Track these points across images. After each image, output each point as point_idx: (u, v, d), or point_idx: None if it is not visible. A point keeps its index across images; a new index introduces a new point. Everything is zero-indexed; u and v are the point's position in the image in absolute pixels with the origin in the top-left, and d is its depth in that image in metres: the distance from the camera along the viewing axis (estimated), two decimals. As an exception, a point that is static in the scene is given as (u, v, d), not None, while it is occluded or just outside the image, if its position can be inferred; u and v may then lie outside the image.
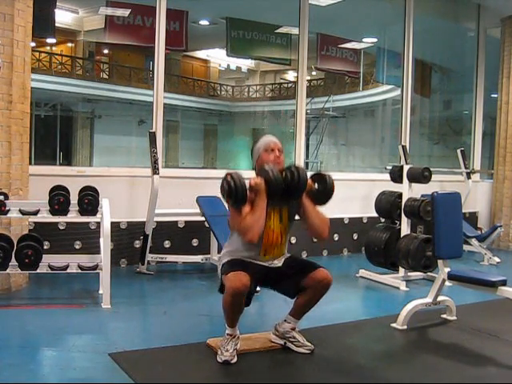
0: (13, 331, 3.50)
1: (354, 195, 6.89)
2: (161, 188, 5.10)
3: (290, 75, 20.71)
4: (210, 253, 5.51)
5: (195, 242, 5.88)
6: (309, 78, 16.42)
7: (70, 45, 18.74)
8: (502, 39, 7.83)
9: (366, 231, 5.80)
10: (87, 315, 3.86)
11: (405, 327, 3.74)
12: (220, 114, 22.40)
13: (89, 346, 3.21)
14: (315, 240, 5.77)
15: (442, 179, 7.27)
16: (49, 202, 4.08)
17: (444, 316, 4.04)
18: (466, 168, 7.47)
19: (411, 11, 7.53)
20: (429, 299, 3.84)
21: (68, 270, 4.13)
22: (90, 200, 4.14)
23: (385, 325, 3.82)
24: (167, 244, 5.75)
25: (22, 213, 4.07)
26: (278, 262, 3.20)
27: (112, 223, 4.19)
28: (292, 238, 6.17)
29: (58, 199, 4.07)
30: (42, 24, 5.44)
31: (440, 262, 3.74)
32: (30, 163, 4.69)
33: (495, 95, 8.07)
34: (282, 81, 21.91)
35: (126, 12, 6.58)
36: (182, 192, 5.74)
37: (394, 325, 3.78)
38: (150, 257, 5.30)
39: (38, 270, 4.03)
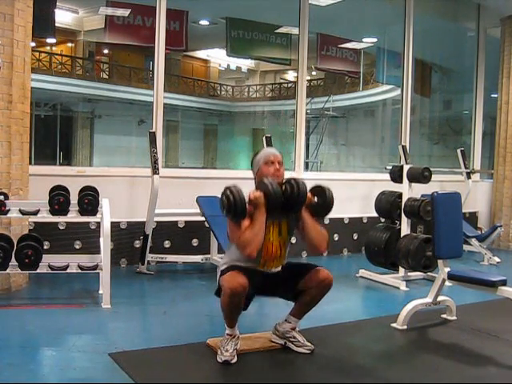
0: (13, 331, 3.50)
1: (354, 195, 6.89)
2: (161, 188, 5.10)
3: (290, 75, 20.70)
4: (210, 253, 5.51)
5: (195, 242, 5.88)
6: (309, 78, 16.42)
7: (70, 45, 18.73)
8: (501, 39, 7.83)
9: (366, 231, 5.80)
10: (87, 315, 3.86)
11: (405, 327, 3.74)
12: (220, 113, 22.40)
13: (89, 346, 3.21)
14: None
15: (442, 179, 7.27)
16: (49, 202, 4.08)
17: (444, 316, 4.04)
18: (466, 168, 7.47)
19: (411, 11, 7.53)
20: (429, 299, 3.84)
21: (68, 270, 4.13)
22: (90, 200, 4.14)
23: (385, 325, 3.82)
24: (167, 244, 5.75)
25: (22, 213, 4.07)
26: (276, 270, 3.19)
27: (112, 223, 4.19)
28: (292, 238, 6.16)
29: (58, 199, 4.07)
30: (42, 24, 5.44)
31: (440, 261, 3.74)
32: (30, 163, 4.69)
33: (495, 95, 8.07)
34: (281, 81, 21.90)
35: (126, 12, 6.58)
36: (182, 192, 5.74)
37: (394, 325, 3.79)
38: (150, 257, 5.30)
39: (38, 270, 4.03)
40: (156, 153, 5.17)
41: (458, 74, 11.60)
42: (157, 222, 5.47)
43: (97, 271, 4.19)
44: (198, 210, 5.39)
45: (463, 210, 4.30)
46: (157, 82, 5.91)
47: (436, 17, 8.58)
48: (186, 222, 5.82)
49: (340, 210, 6.49)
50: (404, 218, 5.23)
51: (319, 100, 17.57)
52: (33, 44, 4.62)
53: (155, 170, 5.10)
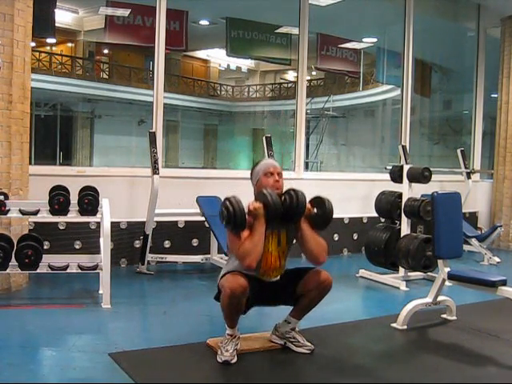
0: (13, 331, 3.50)
1: (353, 195, 6.89)
2: (161, 188, 5.10)
3: (290, 75, 20.69)
4: (210, 253, 5.51)
5: (195, 242, 5.89)
6: (309, 78, 16.41)
7: (69, 45, 18.72)
8: (501, 39, 7.83)
9: (366, 231, 5.80)
10: (87, 315, 3.86)
11: (405, 327, 3.74)
12: (220, 113, 22.38)
13: (89, 346, 3.21)
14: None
15: (442, 179, 7.27)
16: (49, 201, 4.08)
17: (444, 316, 4.04)
18: (465, 168, 7.47)
19: (411, 11, 7.53)
20: (429, 299, 3.84)
21: (68, 270, 4.13)
22: (90, 200, 4.14)
23: (385, 325, 3.82)
24: (167, 244, 5.75)
25: (22, 213, 4.07)
26: (275, 279, 3.18)
27: (112, 223, 4.19)
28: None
29: (58, 199, 4.07)
30: (42, 24, 5.44)
31: (440, 261, 3.74)
32: (30, 163, 4.69)
33: (495, 95, 8.07)
34: (282, 81, 21.89)
35: (126, 12, 6.58)
36: (182, 192, 5.74)
37: (394, 325, 3.79)
38: (150, 257, 5.30)
39: (38, 270, 4.04)
40: (156, 153, 5.17)
41: (458, 73, 11.60)
42: (157, 222, 5.47)
43: (97, 271, 4.19)
44: (198, 210, 5.39)
45: (463, 210, 4.30)
46: (157, 82, 5.92)
47: (436, 17, 8.59)
48: (185, 221, 5.82)
49: (340, 210, 6.53)
50: (404, 218, 5.23)
51: (319, 100, 17.56)
52: (33, 44, 4.62)
53: (155, 170, 5.10)
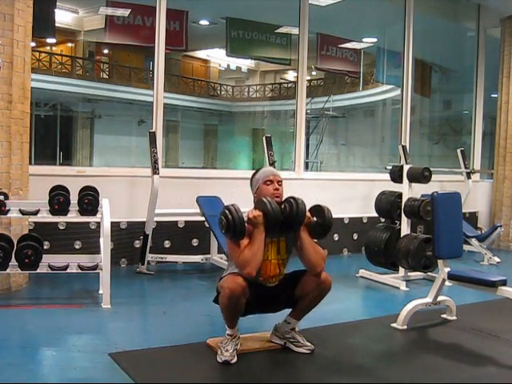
0: (13, 331, 3.50)
1: (353, 195, 6.89)
2: (161, 188, 5.10)
3: (290, 75, 20.68)
4: (210, 253, 5.52)
5: (195, 242, 5.89)
6: (309, 78, 16.40)
7: (69, 45, 18.72)
8: (501, 39, 7.83)
9: (366, 231, 5.80)
10: (87, 315, 3.87)
11: (405, 327, 3.74)
12: (220, 113, 22.38)
13: (89, 346, 3.21)
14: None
15: (442, 179, 7.27)
16: (49, 201, 4.09)
17: (444, 316, 4.04)
18: (465, 168, 7.47)
19: (411, 11, 7.53)
20: (429, 299, 3.84)
21: (68, 270, 4.13)
22: (90, 200, 4.14)
23: (385, 325, 3.82)
24: (167, 244, 5.75)
25: (22, 213, 4.07)
26: (274, 284, 3.18)
27: (112, 223, 4.19)
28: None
29: (58, 199, 4.07)
30: (42, 24, 5.44)
31: (440, 261, 3.74)
32: (30, 163, 4.70)
33: (495, 95, 8.07)
34: (282, 81, 21.88)
35: (126, 12, 6.58)
36: (182, 192, 5.74)
37: (394, 325, 3.79)
38: (150, 257, 5.30)
39: (38, 270, 4.04)
40: (156, 153, 5.17)
41: (458, 73, 11.59)
42: (157, 221, 5.47)
43: (97, 271, 4.19)
44: (198, 210, 5.39)
45: (463, 210, 4.30)
46: (157, 82, 5.92)
47: (436, 17, 8.59)
48: (185, 221, 5.82)
49: (340, 210, 6.55)
50: (404, 218, 5.23)
51: (319, 100, 17.56)
52: (33, 44, 4.62)
53: (155, 170, 5.10)
